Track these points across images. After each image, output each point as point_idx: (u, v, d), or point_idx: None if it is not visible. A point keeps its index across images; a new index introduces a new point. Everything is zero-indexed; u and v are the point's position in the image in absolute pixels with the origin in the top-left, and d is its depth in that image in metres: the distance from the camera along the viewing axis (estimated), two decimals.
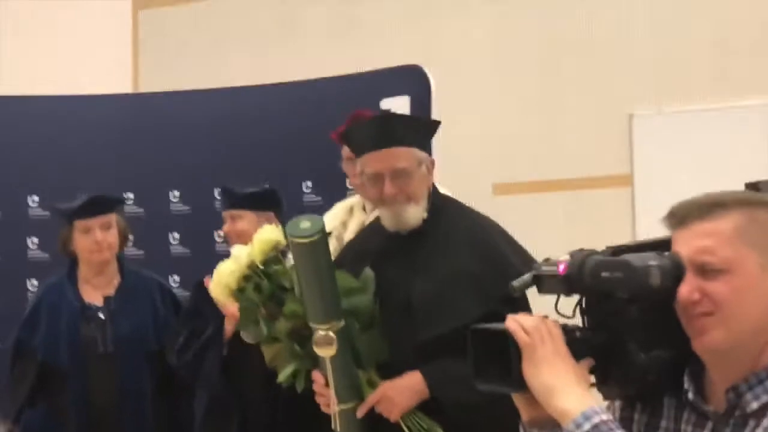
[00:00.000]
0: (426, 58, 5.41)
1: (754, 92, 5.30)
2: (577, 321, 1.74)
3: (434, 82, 5.01)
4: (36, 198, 5.40)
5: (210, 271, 4.26)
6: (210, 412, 4.05)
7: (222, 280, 3.24)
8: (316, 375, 3.16)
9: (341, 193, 4.96)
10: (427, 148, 3.28)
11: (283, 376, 3.25)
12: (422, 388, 3.11)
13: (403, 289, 3.16)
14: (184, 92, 5.58)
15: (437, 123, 3.33)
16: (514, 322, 1.66)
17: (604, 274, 1.64)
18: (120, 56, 6.40)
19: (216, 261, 4.96)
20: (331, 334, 3.03)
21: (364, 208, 3.88)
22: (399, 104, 4.95)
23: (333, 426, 3.18)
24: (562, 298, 1.71)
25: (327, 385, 3.14)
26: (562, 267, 1.67)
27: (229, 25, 6.39)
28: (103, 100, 5.60)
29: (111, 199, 4.30)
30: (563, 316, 1.72)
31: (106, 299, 4.19)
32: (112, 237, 4.19)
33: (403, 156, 3.16)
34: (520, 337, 1.62)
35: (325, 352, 3.06)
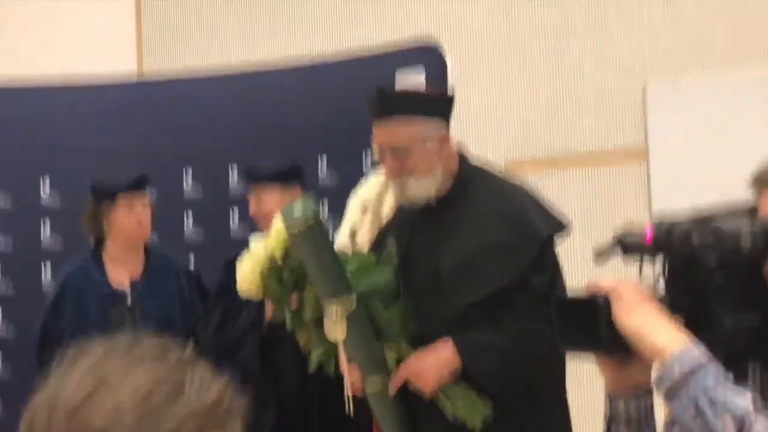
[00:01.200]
0: (436, 32, 5.37)
1: None
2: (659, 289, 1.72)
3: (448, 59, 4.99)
4: (48, 183, 5.35)
5: (224, 254, 4.26)
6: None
7: (246, 278, 3.22)
8: (341, 355, 3.15)
9: (358, 173, 4.93)
10: (441, 120, 3.20)
11: (313, 361, 3.24)
12: (454, 358, 3.09)
13: (432, 259, 3.16)
14: (197, 76, 5.54)
15: (450, 97, 3.27)
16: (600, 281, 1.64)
17: (695, 237, 1.62)
18: (123, 33, 6.32)
19: (231, 244, 4.99)
20: (338, 313, 3.01)
21: None
22: (414, 79, 4.93)
23: (347, 410, 3.16)
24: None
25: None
26: (649, 232, 1.66)
27: (238, 3, 6.30)
28: (115, 86, 5.55)
29: (148, 179, 4.33)
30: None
31: (133, 283, 4.17)
32: (149, 216, 4.23)
33: (401, 132, 3.14)
34: (610, 285, 1.60)
35: (335, 333, 3.04)
